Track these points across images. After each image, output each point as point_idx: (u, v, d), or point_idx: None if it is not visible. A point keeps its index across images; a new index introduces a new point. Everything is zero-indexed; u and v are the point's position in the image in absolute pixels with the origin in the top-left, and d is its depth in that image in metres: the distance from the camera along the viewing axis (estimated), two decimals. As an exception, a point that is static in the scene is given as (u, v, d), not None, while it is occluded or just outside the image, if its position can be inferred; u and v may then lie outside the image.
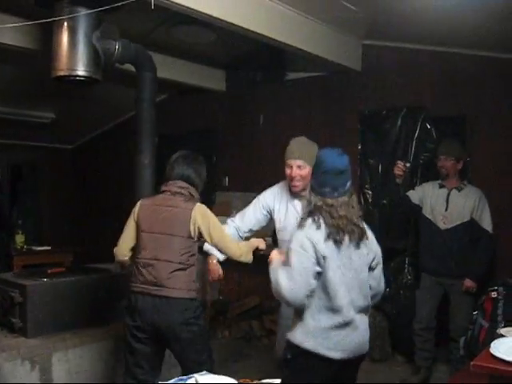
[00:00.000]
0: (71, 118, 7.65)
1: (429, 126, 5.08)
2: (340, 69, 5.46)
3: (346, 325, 2.49)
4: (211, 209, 3.23)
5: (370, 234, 2.63)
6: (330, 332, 2.47)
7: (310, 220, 2.50)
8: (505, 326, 3.14)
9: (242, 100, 6.60)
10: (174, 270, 2.98)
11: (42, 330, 3.54)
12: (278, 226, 3.41)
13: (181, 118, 7.07)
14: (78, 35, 3.76)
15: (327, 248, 2.45)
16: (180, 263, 3.01)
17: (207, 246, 3.28)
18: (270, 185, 3.72)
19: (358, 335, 2.55)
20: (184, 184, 3.15)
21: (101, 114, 7.82)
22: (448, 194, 4.39)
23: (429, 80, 5.18)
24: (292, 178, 3.25)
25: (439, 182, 4.49)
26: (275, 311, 5.48)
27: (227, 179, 6.65)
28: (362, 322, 2.58)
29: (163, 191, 3.17)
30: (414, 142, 5.12)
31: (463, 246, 4.31)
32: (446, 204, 4.37)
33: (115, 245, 3.28)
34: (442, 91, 5.11)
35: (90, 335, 3.67)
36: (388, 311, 5.21)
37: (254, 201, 3.53)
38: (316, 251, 2.43)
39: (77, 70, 3.78)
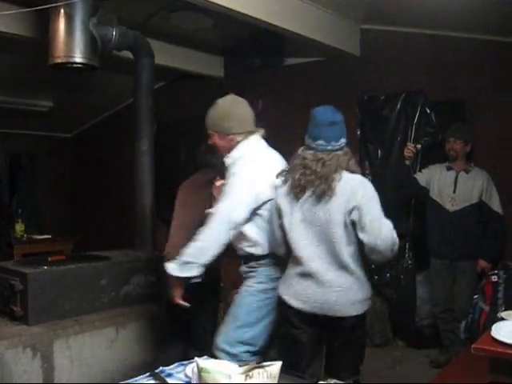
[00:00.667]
0: (69, 106, 7.62)
1: (428, 111, 5.06)
2: (338, 54, 5.43)
3: (306, 275, 2.56)
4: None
5: (350, 186, 2.53)
6: (292, 280, 2.62)
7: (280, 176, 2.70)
8: (505, 310, 3.14)
9: (241, 86, 6.56)
10: None
11: (43, 318, 3.54)
12: None
13: (179, 105, 7.04)
14: (75, 22, 3.74)
15: (285, 203, 2.62)
16: None
17: None
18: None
19: (324, 291, 2.54)
20: None
21: (99, 102, 7.79)
22: (456, 177, 4.42)
23: (428, 64, 5.15)
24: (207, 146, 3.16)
25: (446, 164, 4.52)
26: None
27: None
28: (337, 281, 2.54)
29: None
30: (414, 127, 5.10)
31: (471, 227, 4.35)
32: (454, 186, 4.40)
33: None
34: (441, 75, 5.07)
35: (91, 323, 3.67)
36: (388, 296, 5.23)
37: None
38: (276, 205, 2.66)
39: (74, 57, 3.76)
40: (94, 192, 8.67)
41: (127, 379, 2.02)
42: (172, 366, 2.07)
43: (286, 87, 6.16)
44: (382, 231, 2.47)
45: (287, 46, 5.86)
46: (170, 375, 2.01)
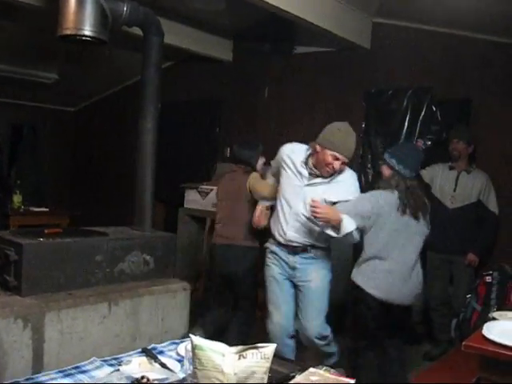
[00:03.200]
0: (75, 80, 7.59)
1: (434, 109, 5.06)
2: (349, 45, 5.41)
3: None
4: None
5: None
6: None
7: None
8: (497, 311, 3.16)
9: (248, 71, 6.54)
10: None
11: (36, 290, 3.53)
12: (280, 189, 3.56)
13: (186, 86, 7.01)
14: (86, -6, 3.70)
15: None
16: None
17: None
18: (272, 158, 3.72)
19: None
20: None
21: (105, 78, 7.75)
22: (457, 176, 4.54)
23: (437, 62, 5.13)
24: (332, 170, 3.29)
25: (449, 164, 4.62)
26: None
27: (229, 150, 6.62)
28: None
29: None
30: (419, 123, 5.09)
31: (468, 224, 4.50)
32: (455, 185, 4.54)
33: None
34: (448, 74, 5.07)
35: (85, 297, 3.67)
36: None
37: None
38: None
39: (83, 29, 3.72)
40: (95, 168, 8.66)
41: (118, 355, 2.03)
42: (164, 344, 2.08)
43: (294, 75, 6.14)
44: None
45: (298, 34, 5.83)
46: (161, 352, 2.02)
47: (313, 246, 3.43)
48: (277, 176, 3.63)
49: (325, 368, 1.76)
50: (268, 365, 1.54)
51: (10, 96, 7.79)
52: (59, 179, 8.85)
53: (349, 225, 3.15)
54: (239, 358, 1.50)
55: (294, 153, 3.45)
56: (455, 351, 3.43)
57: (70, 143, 9.08)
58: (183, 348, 1.85)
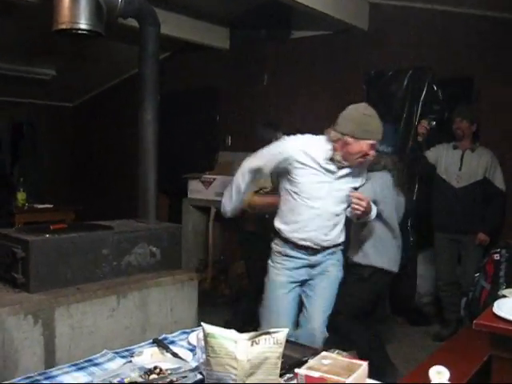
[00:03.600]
0: (72, 75, 7.57)
1: (435, 88, 5.02)
2: (347, 27, 5.38)
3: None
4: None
5: None
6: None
7: None
8: (506, 288, 3.16)
9: (246, 58, 6.50)
10: None
11: (44, 286, 3.54)
12: (295, 189, 3.09)
13: (184, 76, 6.99)
14: (81, -13, 3.67)
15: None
16: None
17: None
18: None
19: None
20: None
21: (102, 72, 7.74)
22: (462, 155, 4.54)
23: (436, 41, 5.10)
24: (365, 159, 2.98)
25: (453, 143, 4.62)
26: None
27: (230, 139, 6.60)
28: None
29: None
30: (420, 104, 5.06)
31: (476, 203, 4.51)
32: (460, 164, 4.54)
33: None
34: (449, 52, 5.03)
35: (93, 291, 3.68)
36: (388, 272, 5.23)
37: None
38: None
39: (79, 23, 3.69)
40: (95, 162, 8.66)
41: (129, 347, 2.03)
42: (175, 334, 2.08)
43: (292, 60, 6.11)
44: None
45: (294, 19, 5.79)
46: (172, 342, 2.02)
47: (334, 243, 3.21)
48: (268, 171, 3.26)
49: (337, 351, 1.76)
50: (281, 350, 1.54)
51: (8, 94, 7.77)
52: (61, 174, 8.85)
53: (374, 210, 3.13)
54: (252, 344, 1.50)
55: (310, 148, 3.01)
56: (465, 330, 3.43)
57: (68, 139, 9.07)
58: (194, 337, 1.85)
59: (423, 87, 5.05)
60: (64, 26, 3.72)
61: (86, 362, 1.92)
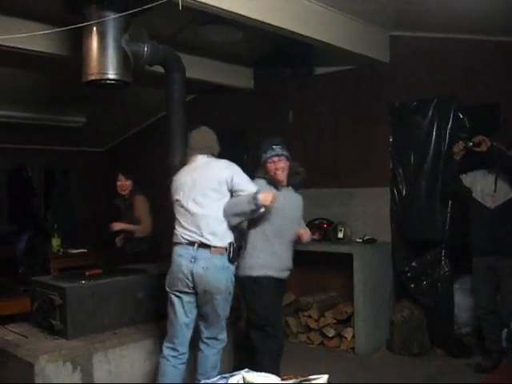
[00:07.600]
0: (102, 121, 7.74)
1: (461, 116, 5.00)
2: (368, 61, 5.42)
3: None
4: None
5: None
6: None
7: None
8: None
9: (271, 97, 6.57)
10: None
11: (81, 332, 3.59)
12: None
13: (210, 117, 7.07)
14: (108, 39, 3.80)
15: None
16: None
17: None
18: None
19: None
20: None
21: (131, 116, 7.88)
22: (496, 177, 4.53)
23: (459, 69, 5.09)
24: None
25: (488, 170, 4.62)
26: (311, 307, 5.48)
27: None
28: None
29: None
30: (447, 132, 5.03)
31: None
32: (494, 186, 4.53)
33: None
34: (473, 80, 5.02)
35: (130, 335, 3.71)
36: (425, 304, 5.15)
37: None
38: None
39: (107, 73, 3.82)
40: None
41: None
42: (214, 379, 2.07)
43: (316, 97, 6.16)
44: None
45: (316, 56, 5.85)
46: (212, 388, 2.01)
47: None
48: None
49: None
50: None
51: (41, 142, 7.97)
52: (93, 219, 8.96)
53: None
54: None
55: None
56: (508, 361, 3.34)
57: (100, 183, 9.20)
58: (235, 381, 1.84)
59: (449, 116, 5.02)
60: (93, 77, 3.85)
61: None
